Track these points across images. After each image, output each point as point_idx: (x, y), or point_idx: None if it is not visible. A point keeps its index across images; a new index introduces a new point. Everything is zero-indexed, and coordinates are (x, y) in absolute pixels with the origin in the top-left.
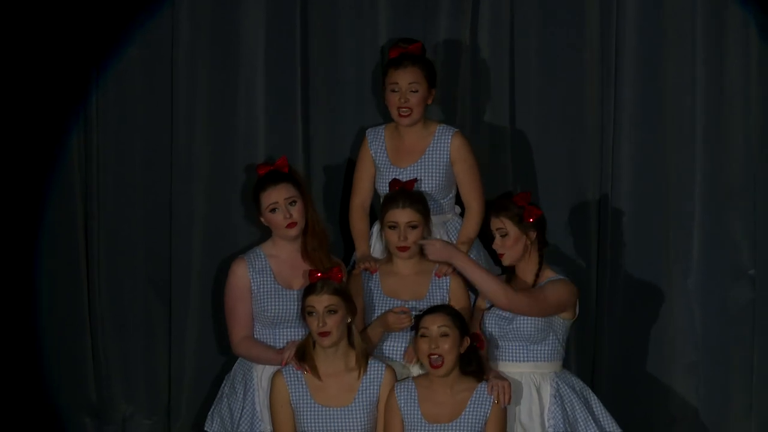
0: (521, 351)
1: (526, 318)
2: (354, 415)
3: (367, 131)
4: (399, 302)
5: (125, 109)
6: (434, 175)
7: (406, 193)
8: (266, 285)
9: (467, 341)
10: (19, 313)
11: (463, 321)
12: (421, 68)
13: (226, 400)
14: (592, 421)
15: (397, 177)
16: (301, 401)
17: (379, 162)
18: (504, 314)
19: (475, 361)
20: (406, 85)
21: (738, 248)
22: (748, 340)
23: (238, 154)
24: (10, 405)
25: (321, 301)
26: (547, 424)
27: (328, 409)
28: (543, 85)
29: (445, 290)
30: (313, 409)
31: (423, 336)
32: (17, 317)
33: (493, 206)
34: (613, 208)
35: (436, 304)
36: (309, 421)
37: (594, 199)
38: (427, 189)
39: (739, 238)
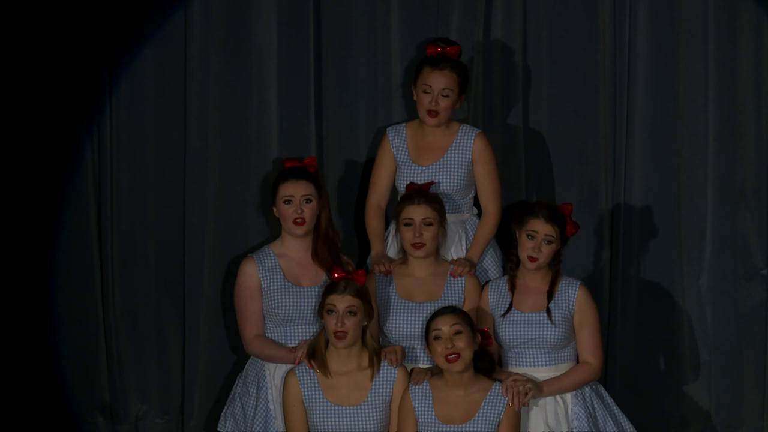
0: (543, 356)
1: (551, 328)
2: (366, 414)
3: (387, 129)
4: (413, 304)
5: (138, 111)
6: (455, 174)
7: (422, 192)
8: (276, 282)
9: (479, 338)
10: (35, 313)
11: (471, 319)
12: (457, 74)
13: (239, 399)
14: (610, 419)
15: (418, 175)
16: (313, 400)
17: (401, 160)
18: (525, 321)
19: (487, 358)
20: (439, 88)
21: (750, 248)
22: (760, 339)
23: (251, 154)
24: (27, 404)
25: (343, 301)
26: (570, 425)
27: (340, 407)
28: (555, 85)
29: (460, 291)
30: (325, 407)
31: (437, 338)
32: (34, 318)
33: (544, 211)
34: (626, 208)
35: (447, 305)
36: (321, 419)
37: (606, 198)
38: (447, 188)
39: (751, 238)
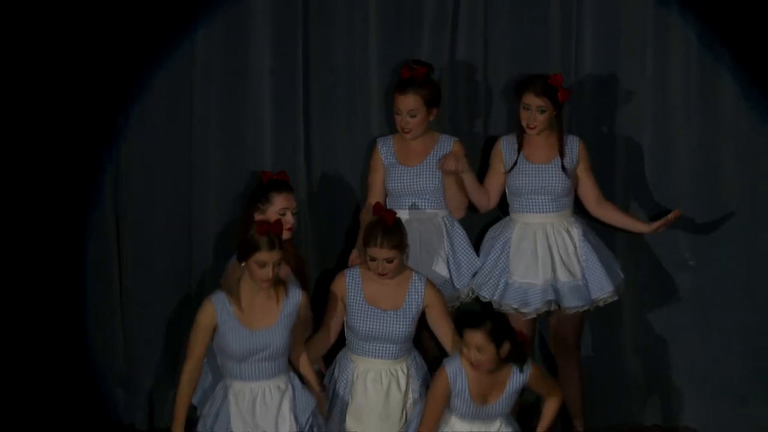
0: (549, 203)
1: (557, 177)
2: (276, 334)
3: (377, 140)
4: (378, 311)
5: (150, 130)
6: (436, 175)
7: (385, 231)
8: (232, 329)
9: (507, 345)
10: (69, 305)
11: (503, 329)
12: (421, 95)
13: (211, 399)
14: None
15: (404, 174)
16: (227, 324)
17: (389, 164)
18: (536, 171)
19: (518, 352)
20: (405, 110)
21: (680, 242)
22: (689, 324)
23: (248, 166)
24: (60, 378)
25: (272, 256)
26: (580, 260)
27: (253, 333)
28: (514, 99)
29: (419, 300)
30: (240, 332)
31: (465, 344)
32: (68, 308)
33: (534, 85)
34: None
35: (474, 311)
36: (235, 340)
37: None
38: (430, 186)
39: (681, 235)
